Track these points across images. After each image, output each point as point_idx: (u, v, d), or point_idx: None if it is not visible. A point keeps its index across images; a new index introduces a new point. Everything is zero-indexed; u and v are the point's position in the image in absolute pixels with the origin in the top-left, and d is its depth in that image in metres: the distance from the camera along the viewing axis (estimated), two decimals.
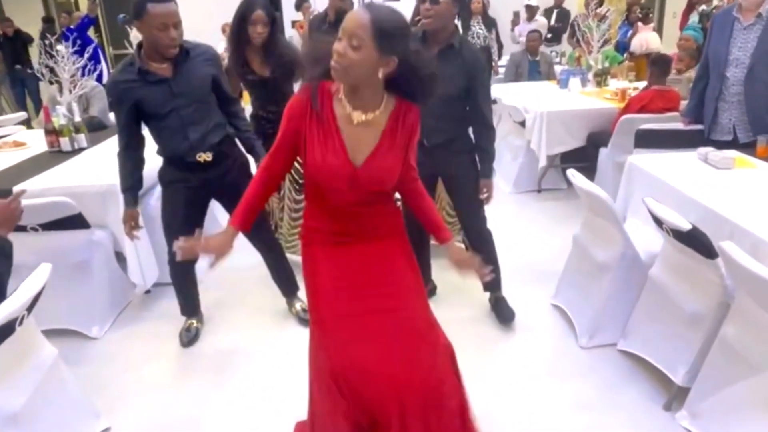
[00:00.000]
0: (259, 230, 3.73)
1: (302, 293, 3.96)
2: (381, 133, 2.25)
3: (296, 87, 4.38)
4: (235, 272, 4.44)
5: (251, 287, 4.24)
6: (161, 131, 3.40)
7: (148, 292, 4.41)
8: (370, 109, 2.22)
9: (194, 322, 4.03)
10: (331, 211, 2.38)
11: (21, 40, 11.26)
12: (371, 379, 2.27)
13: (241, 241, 3.72)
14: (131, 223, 3.55)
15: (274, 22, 4.13)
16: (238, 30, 4.09)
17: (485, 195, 3.69)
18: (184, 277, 3.86)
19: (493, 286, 4.01)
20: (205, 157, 3.43)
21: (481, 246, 3.79)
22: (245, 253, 3.86)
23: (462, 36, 3.54)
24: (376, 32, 2.04)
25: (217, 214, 4.59)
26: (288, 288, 4.06)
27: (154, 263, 4.29)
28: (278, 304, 4.19)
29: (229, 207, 3.60)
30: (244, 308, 4.31)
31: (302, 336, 3.77)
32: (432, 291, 4.28)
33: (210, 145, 3.42)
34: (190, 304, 4.00)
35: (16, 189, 3.87)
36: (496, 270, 3.98)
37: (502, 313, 4.04)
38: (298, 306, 4.05)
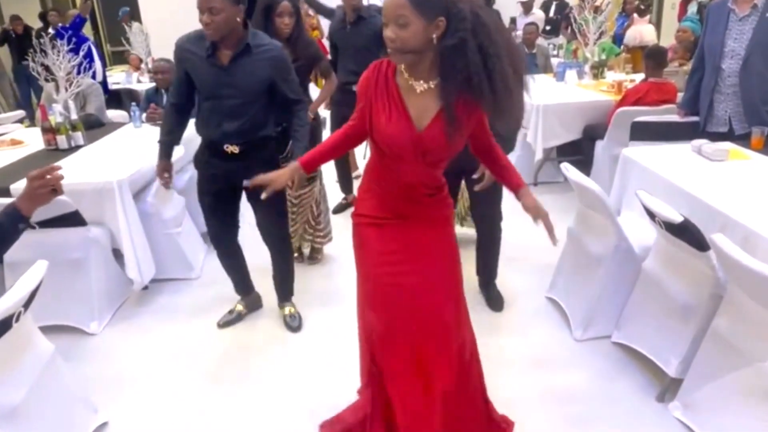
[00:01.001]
0: (275, 227, 3.77)
1: (295, 299, 4.06)
2: (441, 103, 2.30)
3: (312, 84, 4.43)
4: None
5: (258, 285, 4.24)
6: (201, 110, 3.48)
7: (145, 288, 4.40)
8: (432, 78, 2.28)
9: (241, 306, 4.11)
10: (390, 188, 2.48)
11: (30, 38, 11.24)
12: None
13: (257, 240, 3.77)
14: (164, 174, 3.69)
15: (299, 14, 4.17)
16: (264, 22, 4.08)
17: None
18: (227, 251, 3.89)
19: (491, 277, 4.15)
20: (233, 149, 3.45)
21: (490, 236, 3.96)
22: (258, 251, 3.94)
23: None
24: (416, 5, 2.11)
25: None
26: (284, 293, 4.05)
27: (151, 259, 4.29)
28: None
29: (251, 202, 3.63)
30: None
31: (304, 339, 3.87)
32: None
33: (241, 139, 3.43)
34: (237, 281, 4.06)
35: (13, 187, 3.90)
36: (496, 264, 4.13)
37: (492, 299, 4.15)
38: (287, 310, 4.03)
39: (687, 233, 2.88)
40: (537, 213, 2.56)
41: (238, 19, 3.24)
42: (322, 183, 4.79)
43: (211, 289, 4.45)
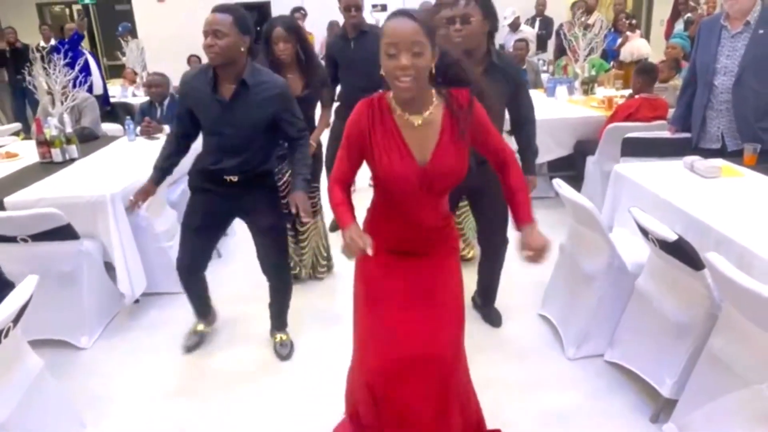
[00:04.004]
0: (275, 258, 3.65)
1: (288, 329, 3.95)
2: (440, 128, 2.28)
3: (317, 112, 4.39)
4: (242, 294, 4.42)
5: (254, 308, 4.15)
6: (205, 144, 3.41)
7: (136, 302, 4.33)
8: (425, 108, 2.26)
9: (202, 326, 3.98)
10: (396, 224, 2.42)
11: (26, 52, 11.17)
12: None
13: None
14: (142, 195, 3.55)
15: (299, 36, 4.07)
16: (267, 52, 4.04)
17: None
18: (194, 280, 3.75)
19: (492, 299, 4.11)
20: (231, 178, 3.36)
21: (495, 261, 3.89)
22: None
23: (497, 51, 3.45)
24: (427, 32, 2.09)
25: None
26: (278, 323, 3.92)
27: (143, 273, 4.23)
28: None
29: (253, 227, 3.55)
30: (244, 326, 4.18)
31: (294, 366, 3.77)
32: None
33: (240, 172, 3.34)
34: (198, 307, 3.93)
35: (7, 200, 3.85)
36: (496, 283, 4.05)
37: (490, 316, 4.10)
38: (278, 338, 3.90)
39: (681, 251, 2.82)
40: (536, 257, 2.43)
41: (243, 49, 3.15)
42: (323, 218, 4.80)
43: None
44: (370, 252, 2.17)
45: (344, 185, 2.44)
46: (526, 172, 3.58)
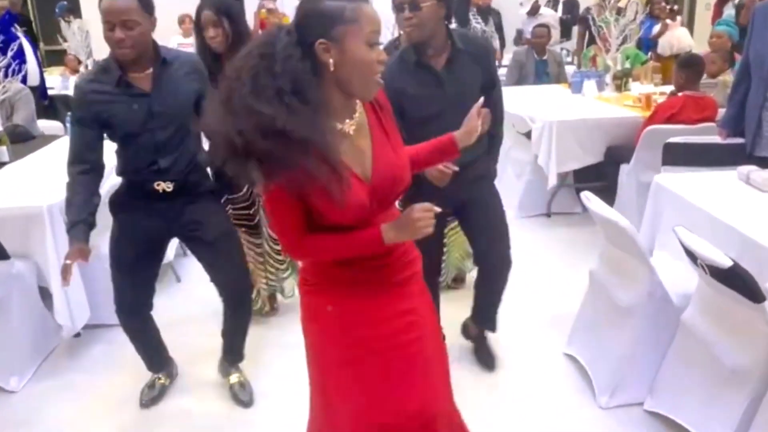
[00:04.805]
0: (233, 267, 3.61)
1: (243, 364, 3.91)
2: (369, 131, 2.26)
3: None
4: (207, 324, 4.33)
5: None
6: (129, 152, 3.29)
7: (77, 335, 4.31)
8: (353, 111, 2.22)
9: (161, 377, 3.90)
10: (355, 267, 2.32)
11: None
12: None
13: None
14: (77, 260, 3.21)
15: (232, 19, 3.99)
16: (198, 38, 4.02)
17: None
18: (140, 324, 3.68)
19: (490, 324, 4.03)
20: (165, 186, 3.30)
21: (495, 281, 3.84)
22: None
23: (459, 31, 3.51)
24: None
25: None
26: (234, 356, 3.88)
27: (85, 301, 4.20)
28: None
29: (198, 243, 3.51)
30: (211, 364, 4.09)
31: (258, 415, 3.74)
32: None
33: (176, 173, 3.29)
34: (153, 357, 3.84)
35: None
36: (496, 304, 3.96)
37: (483, 356, 4.06)
38: (235, 378, 3.87)
39: (737, 280, 2.81)
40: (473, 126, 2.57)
41: (152, 33, 3.15)
42: None
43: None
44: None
45: (307, 229, 2.25)
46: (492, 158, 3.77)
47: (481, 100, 2.63)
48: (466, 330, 4.18)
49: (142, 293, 3.55)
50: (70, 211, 3.23)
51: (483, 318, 4.03)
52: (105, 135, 3.26)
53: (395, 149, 2.29)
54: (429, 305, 2.54)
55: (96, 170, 3.29)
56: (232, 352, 3.87)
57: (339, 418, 2.44)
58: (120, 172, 3.37)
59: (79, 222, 3.19)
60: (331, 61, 2.03)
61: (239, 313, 3.74)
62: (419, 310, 2.42)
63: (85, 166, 3.24)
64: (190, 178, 3.33)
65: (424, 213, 2.13)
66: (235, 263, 3.61)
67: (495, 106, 3.50)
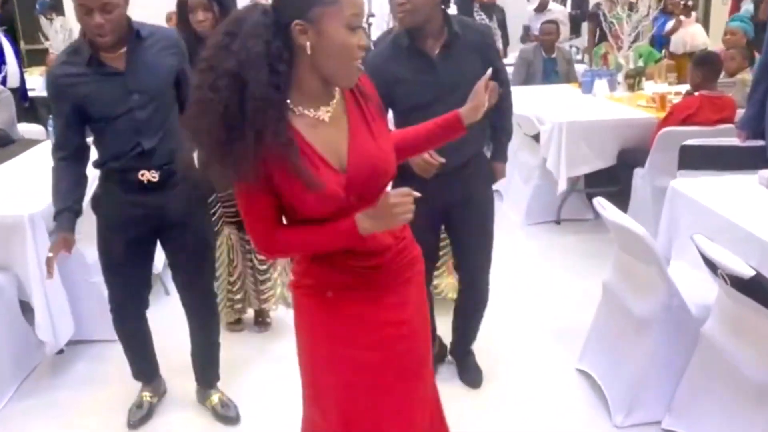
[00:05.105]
0: (205, 281, 3.65)
1: (221, 383, 3.90)
2: (347, 119, 2.25)
3: None
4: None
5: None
6: (108, 137, 3.29)
7: (60, 352, 4.29)
8: (331, 98, 2.21)
9: (148, 394, 3.89)
10: (336, 265, 2.32)
11: None
12: None
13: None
14: (61, 251, 3.28)
15: (222, 6, 4.05)
16: (181, 20, 4.06)
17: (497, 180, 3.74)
18: (134, 324, 3.70)
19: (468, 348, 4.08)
20: (149, 176, 3.29)
21: (475, 305, 3.88)
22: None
23: (458, 17, 3.52)
24: None
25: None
26: (208, 375, 3.87)
27: (69, 315, 4.19)
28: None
29: (170, 249, 3.53)
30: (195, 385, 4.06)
31: None
32: (441, 354, 4.16)
33: (162, 158, 3.29)
34: (142, 366, 3.85)
35: None
36: (475, 333, 4.02)
37: (468, 371, 4.06)
38: (215, 398, 3.85)
39: (760, 290, 2.81)
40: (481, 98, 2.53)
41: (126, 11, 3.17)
42: None
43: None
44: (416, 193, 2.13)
45: (279, 223, 2.28)
46: (498, 157, 3.76)
47: (490, 71, 2.60)
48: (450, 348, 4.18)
49: (135, 290, 3.58)
50: (55, 199, 3.33)
51: (465, 342, 4.06)
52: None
53: (376, 139, 2.26)
54: (424, 317, 2.53)
55: (78, 155, 3.35)
56: (207, 372, 3.86)
57: (328, 422, 2.47)
58: (100, 162, 3.37)
59: (64, 210, 3.27)
60: (308, 43, 2.03)
61: (208, 325, 3.76)
62: (413, 323, 2.43)
63: (66, 152, 3.32)
64: (173, 170, 3.32)
65: (402, 198, 2.10)
66: (210, 272, 3.68)
67: (501, 97, 3.47)
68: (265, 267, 4.58)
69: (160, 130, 3.27)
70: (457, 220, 3.72)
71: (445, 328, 4.04)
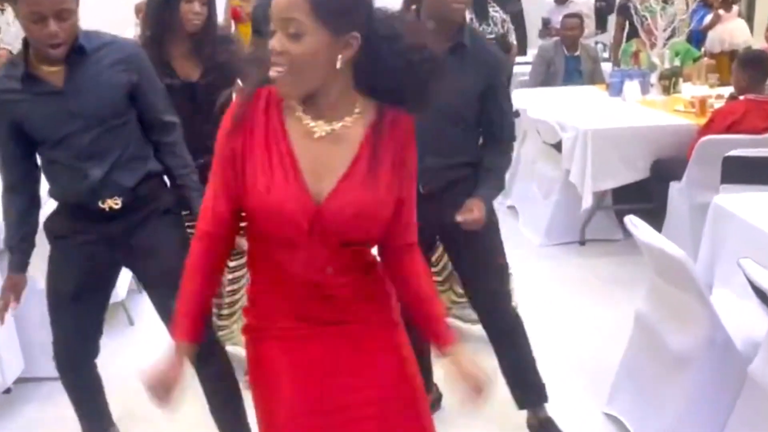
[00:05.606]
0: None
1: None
2: (357, 150, 2.14)
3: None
4: None
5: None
6: (51, 165, 3.25)
7: (7, 391, 4.29)
8: (338, 117, 2.12)
9: None
10: (289, 287, 2.24)
11: None
12: None
13: None
14: (11, 295, 3.29)
15: (211, 5, 4.05)
16: (160, 10, 3.96)
17: (467, 216, 3.45)
18: (81, 374, 3.61)
19: (532, 399, 3.90)
20: (112, 203, 3.22)
21: (503, 338, 3.75)
22: None
23: (473, 30, 3.47)
24: (315, 6, 1.96)
25: None
26: None
27: (19, 351, 4.22)
28: None
29: (144, 277, 3.48)
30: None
31: None
32: (436, 402, 4.10)
33: (120, 187, 3.22)
34: (93, 421, 3.73)
35: None
36: (534, 375, 3.87)
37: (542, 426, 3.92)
38: None
39: None
40: (476, 384, 2.26)
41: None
42: None
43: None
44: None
45: (215, 239, 2.30)
46: (477, 192, 3.52)
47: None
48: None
49: (85, 336, 3.48)
50: (4, 234, 3.34)
51: (526, 397, 3.92)
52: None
53: (379, 190, 2.14)
54: (400, 370, 2.37)
55: (27, 180, 3.29)
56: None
57: None
58: (52, 192, 3.34)
59: (13, 247, 3.29)
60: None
61: (204, 375, 3.56)
62: (384, 379, 2.31)
63: (12, 178, 3.27)
64: (140, 191, 3.26)
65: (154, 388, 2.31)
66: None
67: (491, 126, 3.51)
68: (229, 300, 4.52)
69: (108, 156, 3.18)
70: (450, 241, 3.73)
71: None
